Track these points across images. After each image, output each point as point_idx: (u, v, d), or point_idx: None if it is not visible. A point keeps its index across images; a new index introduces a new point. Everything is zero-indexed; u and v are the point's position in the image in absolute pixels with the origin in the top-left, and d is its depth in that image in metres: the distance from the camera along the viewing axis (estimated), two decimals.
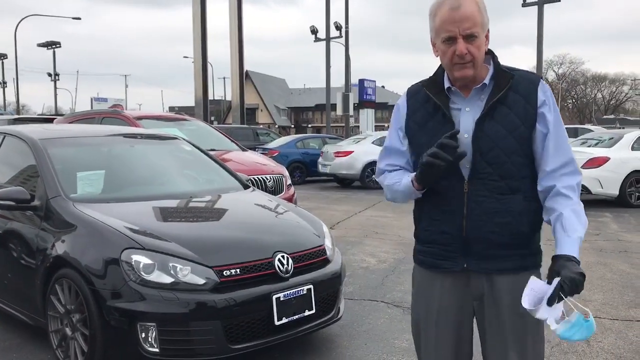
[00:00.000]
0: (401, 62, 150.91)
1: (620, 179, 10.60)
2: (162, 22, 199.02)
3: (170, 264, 3.13)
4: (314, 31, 27.94)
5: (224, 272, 3.19)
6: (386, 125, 45.05)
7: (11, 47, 40.94)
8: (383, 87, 63.76)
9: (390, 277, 5.65)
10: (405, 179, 1.92)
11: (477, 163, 1.82)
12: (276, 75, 74.91)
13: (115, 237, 3.26)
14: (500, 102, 1.82)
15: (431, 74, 1.96)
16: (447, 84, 1.88)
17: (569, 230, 1.76)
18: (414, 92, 1.98)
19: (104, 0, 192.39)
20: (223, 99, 67.64)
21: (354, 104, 28.31)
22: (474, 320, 1.98)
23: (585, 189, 10.08)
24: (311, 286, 3.48)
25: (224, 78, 61.85)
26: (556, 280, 1.66)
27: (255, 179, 6.47)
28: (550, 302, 1.66)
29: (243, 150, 8.14)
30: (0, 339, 3.99)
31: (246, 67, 34.58)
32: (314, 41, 28.20)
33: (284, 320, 3.32)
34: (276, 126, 61.29)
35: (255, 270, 3.31)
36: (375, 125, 29.41)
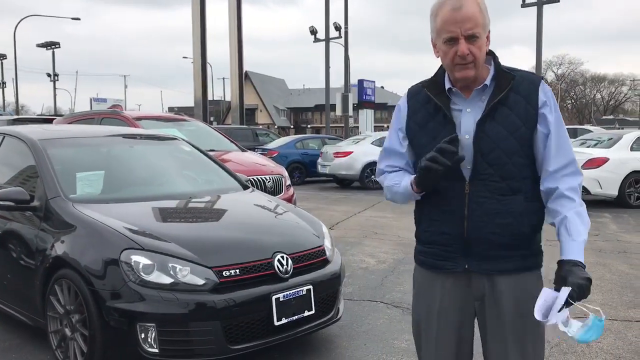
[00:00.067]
0: (401, 62, 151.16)
1: (619, 180, 10.60)
2: (161, 22, 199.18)
3: (170, 265, 3.13)
4: (313, 31, 27.93)
5: (224, 273, 3.19)
6: (385, 125, 45.12)
7: (10, 48, 41.01)
8: (382, 87, 63.80)
9: (389, 278, 5.65)
10: (404, 181, 1.93)
11: (478, 164, 1.82)
12: (275, 76, 74.98)
13: (114, 238, 3.26)
14: (501, 103, 1.82)
15: (431, 75, 1.96)
16: (448, 85, 1.88)
17: (574, 234, 1.77)
18: (414, 93, 1.98)
19: (104, 0, 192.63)
20: (222, 99, 67.63)
21: (353, 104, 28.30)
22: (475, 320, 1.98)
23: (584, 190, 10.07)
24: (311, 287, 3.48)
25: (224, 78, 61.83)
26: (566, 290, 1.66)
27: (254, 180, 6.47)
28: (560, 310, 1.67)
29: (242, 150, 8.14)
30: (0, 340, 3.99)
31: (245, 68, 34.65)
32: (314, 42, 28.19)
33: (284, 320, 3.32)
34: (275, 127, 61.29)
35: (255, 270, 3.31)
36: (375, 126, 29.41)
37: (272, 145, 18.05)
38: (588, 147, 11.62)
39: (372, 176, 14.74)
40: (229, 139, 8.53)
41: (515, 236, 1.84)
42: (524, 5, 21.77)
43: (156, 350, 3.06)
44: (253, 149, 12.55)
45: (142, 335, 3.05)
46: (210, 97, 36.81)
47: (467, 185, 1.84)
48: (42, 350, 3.69)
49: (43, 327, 3.55)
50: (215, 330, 3.09)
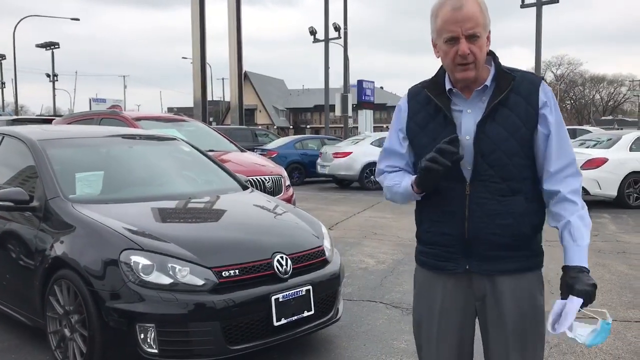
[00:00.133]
0: (400, 63, 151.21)
1: (618, 180, 10.61)
2: (161, 23, 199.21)
3: (169, 265, 3.13)
4: (312, 32, 27.94)
5: (223, 273, 3.19)
6: (385, 126, 45.11)
7: (10, 48, 41.15)
8: (382, 88, 63.74)
9: (389, 278, 5.65)
10: (404, 182, 1.93)
11: (479, 165, 1.82)
12: (275, 76, 74.86)
13: (114, 238, 3.26)
14: (502, 104, 1.82)
15: (432, 75, 1.96)
16: (448, 86, 1.88)
17: (577, 239, 1.79)
18: (414, 94, 1.98)
19: (103, 1, 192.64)
20: (222, 99, 67.58)
21: (353, 104, 28.32)
22: (476, 320, 1.98)
23: (583, 190, 10.04)
24: (310, 287, 3.47)
25: (223, 79, 61.87)
26: (579, 302, 1.69)
27: (253, 180, 6.47)
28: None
29: (242, 151, 8.14)
30: None
31: (245, 68, 34.68)
32: (313, 42, 28.21)
33: (283, 321, 3.31)
34: (275, 127, 61.26)
35: (254, 271, 3.31)
36: (374, 126, 29.42)
37: (271, 145, 18.06)
38: (587, 147, 11.62)
39: (372, 176, 14.75)
40: (228, 140, 8.53)
41: (515, 237, 1.84)
42: (523, 5, 21.78)
43: (155, 351, 3.05)
44: (252, 150, 12.55)
45: (142, 336, 3.05)
46: (209, 98, 36.84)
47: (467, 186, 1.84)
48: (42, 351, 3.69)
49: (42, 327, 3.55)
50: (215, 331, 3.09)
